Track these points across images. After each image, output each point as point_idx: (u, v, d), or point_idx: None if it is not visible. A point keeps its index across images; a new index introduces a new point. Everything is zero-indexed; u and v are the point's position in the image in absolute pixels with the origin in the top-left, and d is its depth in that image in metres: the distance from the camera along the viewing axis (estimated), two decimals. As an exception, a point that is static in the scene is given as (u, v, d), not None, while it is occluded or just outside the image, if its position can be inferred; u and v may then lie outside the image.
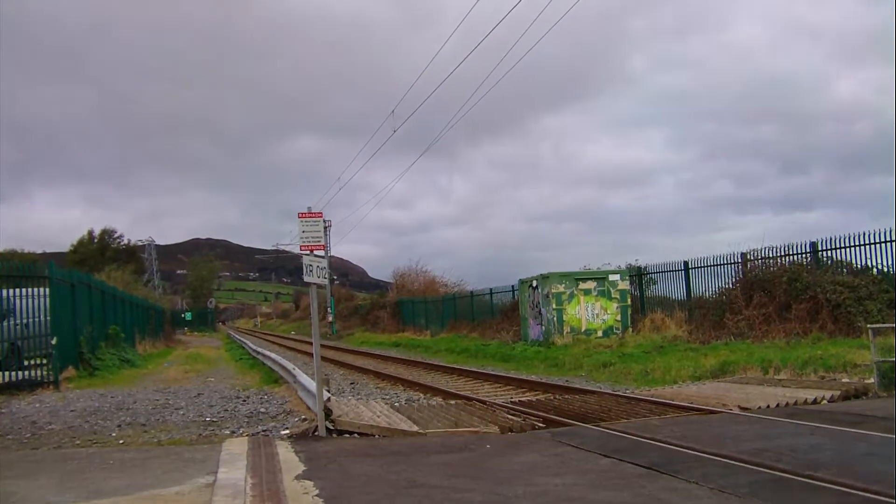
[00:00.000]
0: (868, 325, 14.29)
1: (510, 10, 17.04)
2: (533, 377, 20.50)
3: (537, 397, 15.63)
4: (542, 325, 29.84)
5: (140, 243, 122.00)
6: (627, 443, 9.61)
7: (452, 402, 14.75)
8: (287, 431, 11.60)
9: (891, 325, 14.96)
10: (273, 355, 27.08)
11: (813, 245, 22.25)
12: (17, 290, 20.62)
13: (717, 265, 25.64)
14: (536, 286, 30.62)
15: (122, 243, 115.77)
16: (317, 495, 7.26)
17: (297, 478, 8.07)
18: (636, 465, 8.35)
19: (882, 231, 19.85)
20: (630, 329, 28.16)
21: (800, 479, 7.16)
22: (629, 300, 29.30)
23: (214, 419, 13.44)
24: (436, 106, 30.43)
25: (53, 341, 20.14)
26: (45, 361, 20.68)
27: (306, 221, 12.02)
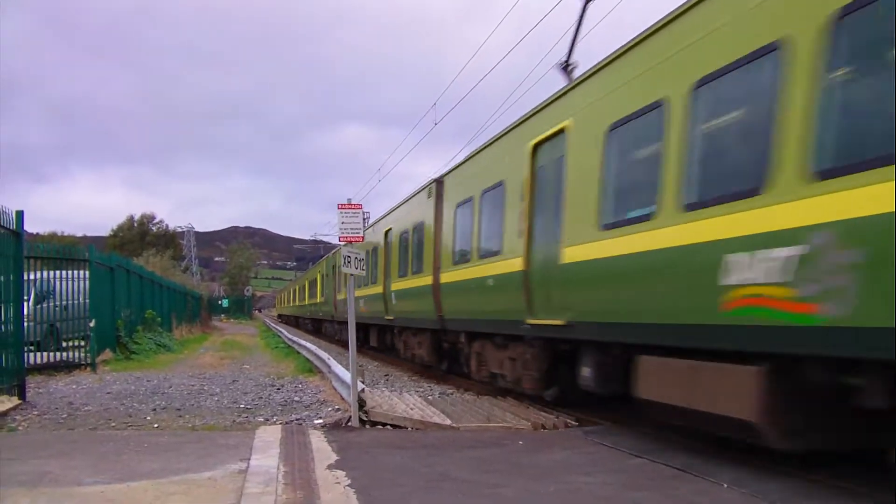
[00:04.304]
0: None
1: (559, 2, 16.72)
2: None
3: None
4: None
5: (179, 229, 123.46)
6: (660, 443, 9.52)
7: (485, 397, 14.69)
8: (320, 421, 11.61)
9: None
10: (308, 345, 27.15)
11: None
12: (57, 273, 20.83)
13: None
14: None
15: (161, 229, 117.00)
16: (348, 485, 7.24)
17: (330, 467, 8.07)
18: (668, 465, 8.28)
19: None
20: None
21: None
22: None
23: (249, 406, 13.50)
24: (483, 95, 30.21)
25: (91, 324, 20.33)
26: (82, 343, 20.95)
27: (346, 213, 11.99)
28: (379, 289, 23.97)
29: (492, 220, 14.32)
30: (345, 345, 35.56)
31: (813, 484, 7.31)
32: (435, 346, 19.45)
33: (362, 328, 29.06)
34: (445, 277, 17.05)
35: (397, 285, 21.67)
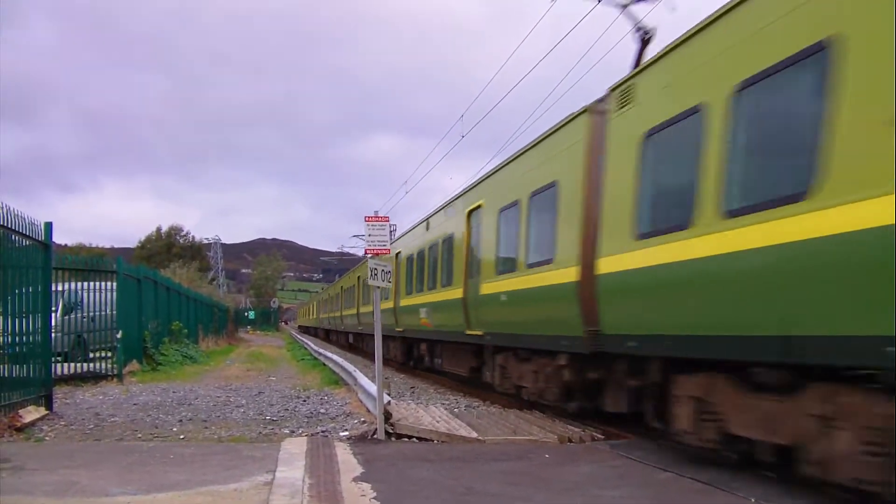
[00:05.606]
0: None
1: (589, 11, 16.83)
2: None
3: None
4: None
5: (206, 241, 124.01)
6: (687, 457, 9.42)
7: (511, 409, 14.62)
8: (346, 433, 11.60)
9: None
10: (335, 357, 27.18)
11: None
12: (85, 284, 20.98)
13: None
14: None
15: (188, 241, 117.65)
16: (374, 498, 7.22)
17: (355, 480, 8.04)
18: (696, 480, 8.19)
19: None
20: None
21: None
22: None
23: (274, 418, 13.50)
24: (513, 107, 30.06)
25: (119, 335, 20.47)
26: (109, 354, 21.06)
27: (373, 225, 12.00)
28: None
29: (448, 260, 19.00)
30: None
31: (842, 500, 7.20)
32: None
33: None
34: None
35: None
